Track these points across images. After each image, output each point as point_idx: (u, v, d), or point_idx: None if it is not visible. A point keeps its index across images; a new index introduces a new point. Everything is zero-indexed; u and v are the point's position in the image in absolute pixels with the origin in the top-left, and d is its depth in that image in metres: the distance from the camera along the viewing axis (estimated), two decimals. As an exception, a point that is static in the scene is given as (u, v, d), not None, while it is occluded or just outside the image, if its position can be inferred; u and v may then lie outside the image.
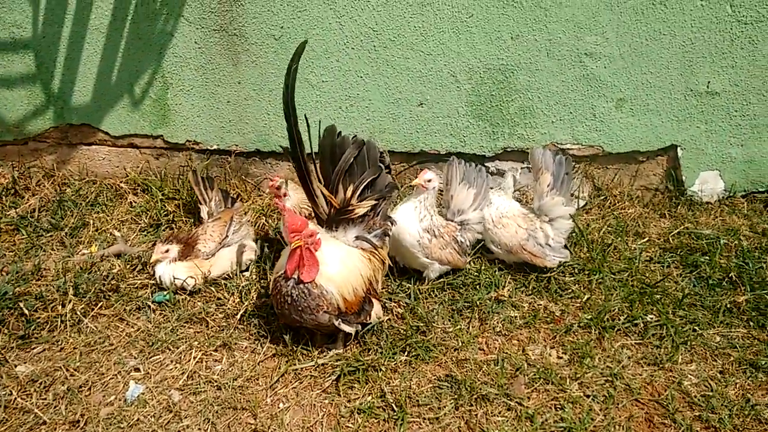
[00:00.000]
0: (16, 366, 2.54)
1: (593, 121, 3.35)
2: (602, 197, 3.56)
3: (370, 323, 2.56)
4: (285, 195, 2.96)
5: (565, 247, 3.01)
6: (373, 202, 2.56)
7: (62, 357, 2.59)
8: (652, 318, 2.72)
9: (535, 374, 2.45)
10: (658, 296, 2.83)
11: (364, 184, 2.54)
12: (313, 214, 2.67)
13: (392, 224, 2.72)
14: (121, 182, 3.68)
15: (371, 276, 2.54)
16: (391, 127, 3.43)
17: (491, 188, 3.05)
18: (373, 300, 2.56)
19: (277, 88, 3.37)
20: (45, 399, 2.39)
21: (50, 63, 3.37)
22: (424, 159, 3.54)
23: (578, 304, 2.84)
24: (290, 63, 2.39)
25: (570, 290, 2.92)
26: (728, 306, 2.77)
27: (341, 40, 3.21)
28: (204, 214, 3.16)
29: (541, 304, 2.84)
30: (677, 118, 3.31)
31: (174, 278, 2.81)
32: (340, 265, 2.42)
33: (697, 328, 2.66)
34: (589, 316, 2.72)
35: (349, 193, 2.52)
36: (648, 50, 3.14)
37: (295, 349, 2.55)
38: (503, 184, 3.01)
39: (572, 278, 3.00)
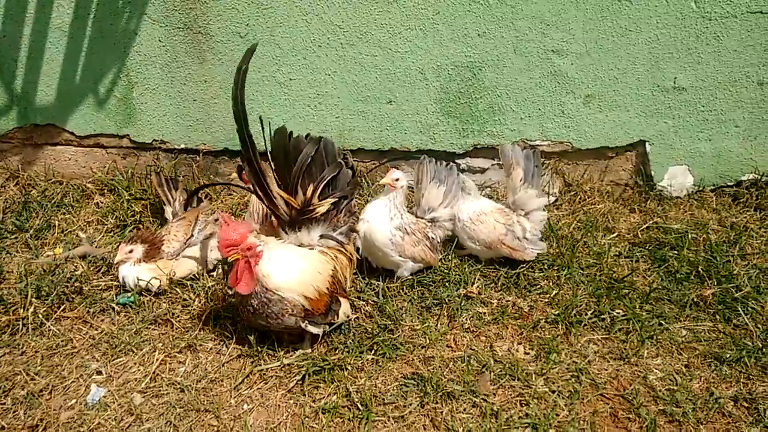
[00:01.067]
0: (-25, 371, 2.49)
1: (562, 118, 3.36)
2: (572, 193, 3.57)
3: (337, 322, 2.54)
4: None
5: (541, 239, 3.02)
6: (334, 200, 2.54)
7: (23, 361, 2.54)
8: (618, 313, 2.72)
9: (501, 371, 2.44)
10: (626, 291, 2.84)
11: (324, 182, 2.52)
12: (272, 217, 2.63)
13: (358, 221, 2.70)
14: (87, 183, 3.62)
15: (336, 273, 2.51)
16: (361, 125, 3.41)
17: (464, 193, 3.04)
18: (341, 299, 2.54)
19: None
20: (4, 404, 2.35)
21: (12, 63, 3.30)
22: (394, 157, 3.52)
23: (546, 300, 2.84)
24: (240, 64, 2.34)
25: (539, 286, 2.92)
26: (695, 300, 2.79)
27: (308, 37, 3.18)
28: (168, 214, 3.12)
29: (509, 300, 2.84)
30: (645, 114, 3.33)
31: (138, 279, 2.77)
32: (293, 271, 2.39)
33: (663, 322, 2.67)
34: (557, 312, 2.73)
35: (309, 192, 2.48)
36: (614, 47, 3.16)
37: (260, 349, 2.53)
38: (465, 186, 3.00)
39: (541, 274, 3.00)
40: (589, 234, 3.25)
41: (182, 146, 3.54)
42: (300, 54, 3.25)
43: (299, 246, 2.55)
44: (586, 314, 2.72)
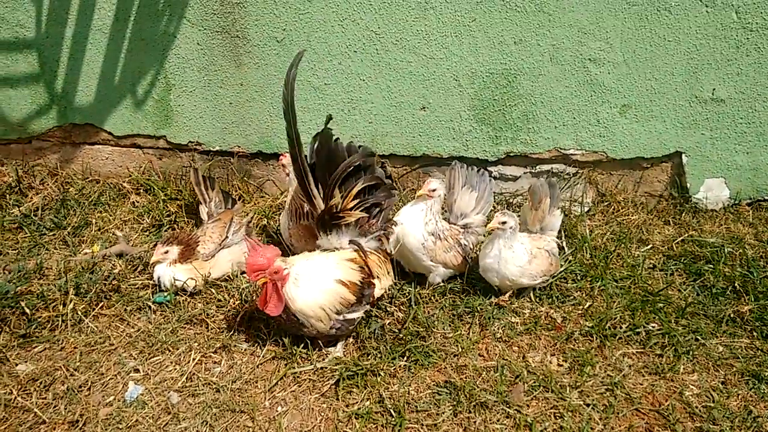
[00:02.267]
0: (16, 365, 2.55)
1: (597, 127, 3.34)
2: (606, 203, 3.54)
3: (378, 297, 2.62)
4: (288, 175, 2.99)
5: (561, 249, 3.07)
6: (363, 213, 2.59)
7: (63, 356, 2.60)
8: (654, 327, 2.70)
9: (534, 382, 2.43)
10: (661, 305, 2.81)
11: (357, 189, 2.56)
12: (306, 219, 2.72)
13: (393, 226, 2.73)
14: (124, 182, 3.69)
15: (364, 271, 2.55)
16: (394, 130, 3.42)
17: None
18: (373, 281, 2.57)
19: (279, 91, 3.34)
20: (45, 398, 2.40)
21: (53, 63, 3.37)
22: (426, 163, 3.53)
23: (580, 312, 2.82)
24: (290, 67, 2.48)
25: (572, 297, 2.91)
26: (732, 316, 2.76)
27: (343, 42, 3.20)
28: (204, 214, 3.16)
29: (542, 311, 2.83)
30: (682, 125, 3.29)
31: (174, 279, 2.81)
32: (317, 291, 2.46)
33: (699, 337, 2.64)
34: (591, 324, 2.71)
35: (341, 198, 2.55)
36: (652, 56, 3.13)
37: (294, 351, 2.55)
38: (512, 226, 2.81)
39: (574, 285, 2.98)
40: (622, 245, 3.23)
41: (217, 148, 3.58)
42: (335, 59, 3.27)
43: (331, 250, 2.61)
44: (621, 327, 2.70)
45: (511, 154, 3.45)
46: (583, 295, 2.92)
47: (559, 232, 3.24)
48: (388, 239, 2.75)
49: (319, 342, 2.59)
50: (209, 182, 3.24)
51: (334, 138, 2.58)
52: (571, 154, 3.42)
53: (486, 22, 3.12)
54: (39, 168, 3.76)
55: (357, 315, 2.53)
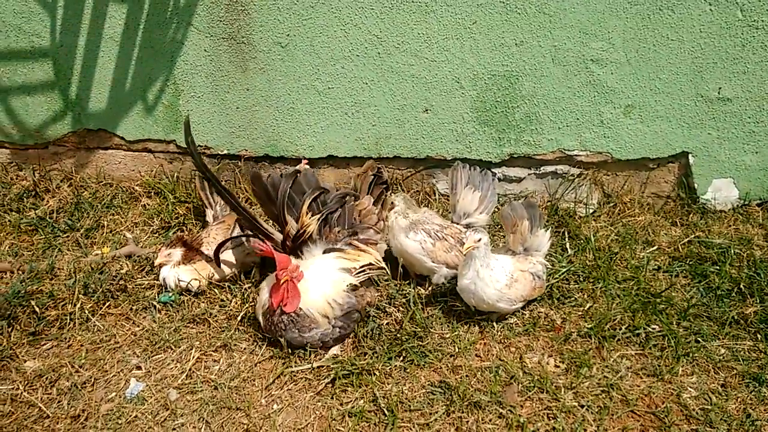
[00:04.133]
0: (25, 362, 2.63)
1: (601, 128, 3.31)
2: (612, 204, 3.51)
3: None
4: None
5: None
6: (317, 219, 2.70)
7: (69, 354, 2.67)
8: (654, 328, 2.67)
9: (529, 383, 2.43)
10: (663, 306, 2.78)
11: (307, 204, 2.72)
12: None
13: (362, 230, 2.80)
14: (135, 185, 3.78)
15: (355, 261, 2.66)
16: (397, 132, 3.45)
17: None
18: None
19: (284, 95, 3.42)
20: (50, 394, 2.48)
21: (68, 71, 3.48)
22: (430, 165, 3.54)
23: (580, 313, 2.81)
24: (186, 137, 2.80)
25: (573, 298, 2.89)
26: (735, 317, 2.71)
27: (346, 47, 3.24)
28: (210, 217, 3.23)
29: (542, 312, 2.82)
30: (688, 125, 3.25)
31: (178, 280, 2.88)
32: (323, 282, 2.58)
33: (701, 339, 2.61)
34: (590, 325, 2.69)
35: (295, 221, 2.72)
36: (656, 56, 3.10)
37: (292, 351, 2.59)
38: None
39: (576, 286, 2.97)
40: (627, 246, 3.20)
41: (225, 152, 3.65)
42: (338, 63, 3.31)
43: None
44: (620, 329, 2.67)
45: (515, 156, 3.45)
46: (585, 296, 2.91)
47: (562, 235, 3.24)
48: (357, 239, 2.79)
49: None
50: (214, 187, 3.30)
51: (266, 175, 2.80)
52: (576, 155, 3.40)
53: (487, 24, 3.13)
54: (55, 172, 3.88)
55: (352, 299, 2.59)
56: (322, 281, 2.54)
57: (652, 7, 2.99)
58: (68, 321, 2.81)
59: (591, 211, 3.47)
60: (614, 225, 3.38)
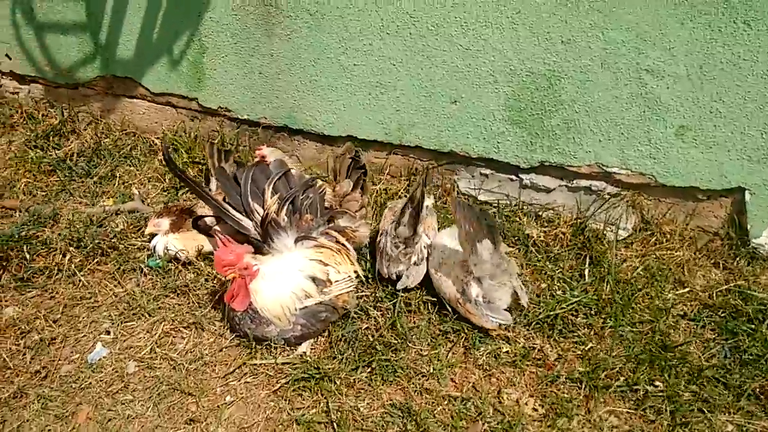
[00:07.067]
0: (6, 307, 2.65)
1: (647, 147, 2.94)
2: (649, 232, 3.14)
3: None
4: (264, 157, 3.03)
5: (509, 309, 2.63)
6: (276, 201, 2.61)
7: (49, 306, 2.68)
8: (657, 386, 2.37)
9: (499, 423, 2.22)
10: (675, 361, 2.47)
11: (270, 188, 2.64)
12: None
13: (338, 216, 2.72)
14: (155, 138, 3.74)
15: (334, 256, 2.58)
16: (422, 121, 3.20)
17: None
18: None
19: (308, 65, 3.24)
20: (17, 345, 2.49)
21: (99, 14, 3.42)
22: (453, 160, 3.29)
23: (579, 352, 2.54)
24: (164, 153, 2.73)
25: (576, 334, 2.61)
26: (756, 391, 2.36)
27: (377, 23, 3.00)
28: (213, 186, 3.13)
29: (537, 344, 2.57)
30: (749, 158, 2.83)
31: (167, 249, 2.82)
32: (280, 285, 2.45)
33: (707, 409, 2.29)
34: (585, 369, 2.42)
35: (260, 206, 2.63)
36: (722, 75, 2.68)
37: (259, 343, 2.47)
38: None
39: (584, 320, 2.68)
40: (655, 284, 2.86)
41: (245, 117, 3.53)
42: (367, 39, 3.07)
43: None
44: (618, 379, 2.39)
45: (546, 164, 3.13)
46: (590, 333, 2.62)
47: (583, 259, 2.91)
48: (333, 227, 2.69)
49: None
50: (224, 156, 3.19)
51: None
52: (615, 173, 3.05)
53: (532, 15, 2.80)
54: (83, 114, 3.89)
55: (312, 302, 2.44)
56: (280, 285, 2.40)
57: (725, 19, 2.56)
58: (56, 272, 2.81)
59: (624, 236, 3.12)
60: (646, 256, 3.02)
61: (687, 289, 2.86)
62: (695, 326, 2.69)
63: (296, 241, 2.58)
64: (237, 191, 2.70)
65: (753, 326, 2.62)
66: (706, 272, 2.98)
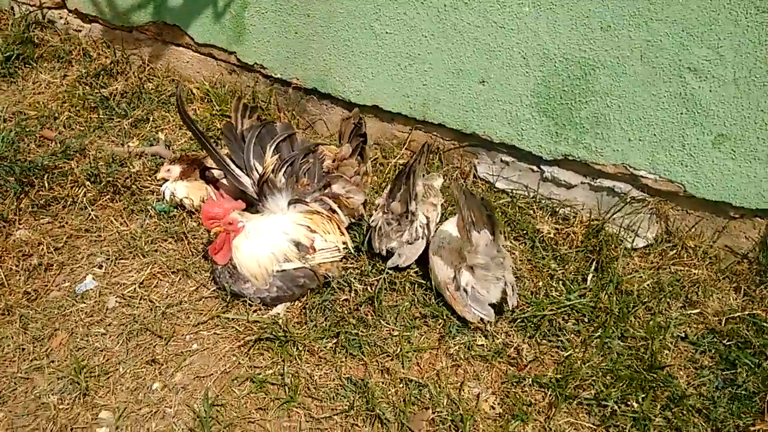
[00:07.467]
0: (18, 229, 2.82)
1: (681, 152, 2.70)
2: (671, 244, 2.91)
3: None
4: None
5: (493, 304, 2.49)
6: (275, 160, 2.61)
7: (55, 234, 2.82)
8: (629, 406, 2.21)
9: (448, 414, 2.15)
10: (657, 383, 2.28)
11: (274, 145, 2.67)
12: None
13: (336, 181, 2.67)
14: (194, 87, 3.82)
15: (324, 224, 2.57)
16: (447, 98, 3.09)
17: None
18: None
19: (342, 29, 3.18)
20: (17, 266, 2.64)
21: (151, -41, 3.51)
22: (474, 143, 3.16)
23: (557, 358, 2.40)
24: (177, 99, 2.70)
25: (560, 339, 2.47)
26: (738, 429, 2.15)
27: (409, -9, 2.89)
28: (229, 139, 3.17)
29: (515, 342, 2.45)
30: (794, 178, 2.54)
31: (173, 196, 2.89)
32: (262, 246, 2.46)
33: (680, 440, 2.12)
34: (554, 376, 2.29)
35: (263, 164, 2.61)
36: (772, 82, 2.40)
37: (236, 297, 2.51)
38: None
39: (574, 326, 2.53)
40: (662, 299, 2.65)
41: (278, 75, 3.53)
42: (402, 7, 2.97)
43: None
44: (588, 391, 2.25)
45: (570, 158, 2.94)
46: (577, 340, 2.48)
47: (590, 263, 2.75)
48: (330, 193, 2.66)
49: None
50: (249, 112, 3.20)
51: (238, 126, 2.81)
52: (642, 177, 2.82)
53: (570, -4, 2.60)
54: (133, 57, 4.02)
55: (291, 267, 2.44)
56: (262, 244, 2.41)
57: (783, 19, 2.28)
58: (70, 203, 2.95)
59: (641, 245, 2.90)
60: (660, 269, 2.80)
61: (697, 311, 2.64)
62: (693, 350, 2.48)
63: (290, 203, 2.58)
64: (241, 147, 2.71)
65: (756, 360, 2.38)
66: (723, 295, 2.73)
